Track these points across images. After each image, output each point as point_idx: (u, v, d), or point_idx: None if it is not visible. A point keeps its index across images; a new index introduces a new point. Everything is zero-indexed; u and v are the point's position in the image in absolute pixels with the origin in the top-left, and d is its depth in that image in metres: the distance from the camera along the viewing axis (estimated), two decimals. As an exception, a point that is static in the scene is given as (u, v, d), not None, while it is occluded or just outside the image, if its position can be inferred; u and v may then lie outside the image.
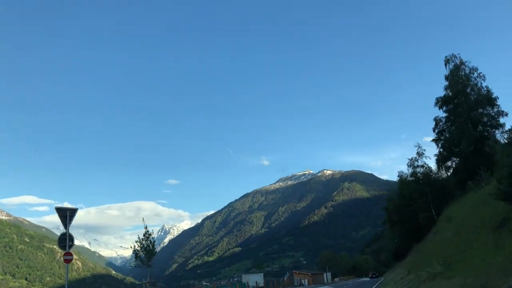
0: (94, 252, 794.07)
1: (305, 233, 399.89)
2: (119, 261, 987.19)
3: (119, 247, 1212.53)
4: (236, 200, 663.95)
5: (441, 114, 55.95)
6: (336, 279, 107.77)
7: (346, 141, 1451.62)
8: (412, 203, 60.61)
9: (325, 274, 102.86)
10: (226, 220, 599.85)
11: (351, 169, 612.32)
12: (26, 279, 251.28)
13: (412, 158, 62.45)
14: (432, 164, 62.36)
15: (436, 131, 57.18)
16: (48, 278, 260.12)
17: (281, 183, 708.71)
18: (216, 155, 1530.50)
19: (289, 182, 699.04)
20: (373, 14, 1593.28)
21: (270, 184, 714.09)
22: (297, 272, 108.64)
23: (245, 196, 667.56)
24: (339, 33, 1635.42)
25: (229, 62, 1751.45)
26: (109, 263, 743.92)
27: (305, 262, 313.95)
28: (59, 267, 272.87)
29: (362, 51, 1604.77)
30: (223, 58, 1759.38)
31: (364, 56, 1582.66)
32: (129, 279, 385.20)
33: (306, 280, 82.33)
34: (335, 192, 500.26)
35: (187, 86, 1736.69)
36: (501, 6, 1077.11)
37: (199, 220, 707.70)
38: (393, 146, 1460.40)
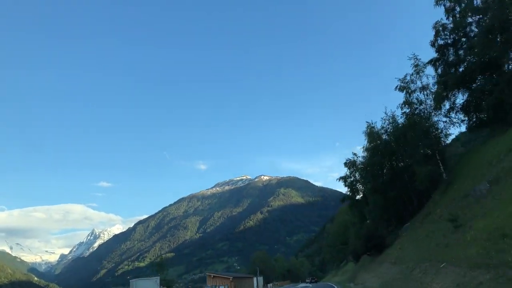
0: (16, 257, 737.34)
1: (240, 238, 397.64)
2: (43, 267, 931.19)
3: (44, 252, 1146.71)
4: (170, 205, 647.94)
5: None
6: (270, 285, 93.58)
7: (284, 148, 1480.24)
8: (401, 156, 43.53)
9: (255, 278, 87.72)
10: (160, 225, 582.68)
11: (288, 175, 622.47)
12: None
13: (406, 77, 41.45)
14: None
15: (437, 44, 37.39)
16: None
17: (218, 188, 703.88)
18: (152, 158, 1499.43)
19: (226, 187, 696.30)
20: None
21: (207, 189, 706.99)
22: (212, 275, 75.06)
23: (181, 200, 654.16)
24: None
25: (165, 60, 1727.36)
26: (32, 268, 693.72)
27: (238, 267, 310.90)
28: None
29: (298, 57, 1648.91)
30: (166, 55, 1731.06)
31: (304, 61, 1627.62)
32: (53, 285, 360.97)
33: (227, 286, 65.21)
34: (271, 198, 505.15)
35: (125, 83, 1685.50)
36: None
37: (132, 225, 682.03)
38: (328, 154, 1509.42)
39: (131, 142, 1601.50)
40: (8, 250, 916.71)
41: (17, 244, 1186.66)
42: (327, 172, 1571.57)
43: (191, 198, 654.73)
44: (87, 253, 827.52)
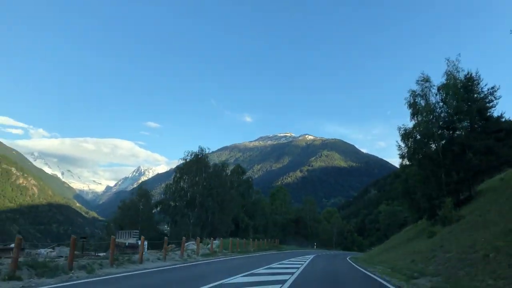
0: (64, 182, 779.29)
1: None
2: (89, 195, 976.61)
3: (91, 181, 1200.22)
4: (213, 152, 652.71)
5: None
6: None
7: (332, 111, 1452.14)
8: None
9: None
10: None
11: (333, 138, 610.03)
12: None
13: None
14: None
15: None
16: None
17: (260, 142, 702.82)
18: (199, 103, 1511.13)
19: (269, 142, 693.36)
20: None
21: (250, 141, 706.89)
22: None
23: (223, 149, 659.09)
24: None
25: (221, 16, 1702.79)
26: (78, 195, 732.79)
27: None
28: (12, 190, 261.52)
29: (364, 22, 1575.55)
30: (216, 12, 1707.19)
31: (363, 26, 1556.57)
32: (92, 213, 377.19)
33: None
34: (312, 158, 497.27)
35: (172, 31, 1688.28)
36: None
37: (174, 166, 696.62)
38: (378, 121, 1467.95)
39: (181, 85, 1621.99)
40: (59, 175, 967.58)
41: (68, 170, 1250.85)
42: (375, 139, 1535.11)
43: (233, 148, 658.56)
44: (131, 188, 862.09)
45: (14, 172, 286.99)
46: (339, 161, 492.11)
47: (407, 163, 41.80)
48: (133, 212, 61.59)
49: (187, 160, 63.47)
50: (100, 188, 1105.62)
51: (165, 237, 25.76)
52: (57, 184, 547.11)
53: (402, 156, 41.11)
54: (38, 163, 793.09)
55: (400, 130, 40.81)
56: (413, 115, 40.37)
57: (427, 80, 40.03)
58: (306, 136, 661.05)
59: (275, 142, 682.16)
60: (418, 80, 40.34)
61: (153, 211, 66.92)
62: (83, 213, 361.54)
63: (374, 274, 18.97)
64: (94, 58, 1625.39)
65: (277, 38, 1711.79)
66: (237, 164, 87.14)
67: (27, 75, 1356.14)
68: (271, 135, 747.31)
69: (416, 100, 40.30)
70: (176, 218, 60.59)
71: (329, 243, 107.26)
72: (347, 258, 39.22)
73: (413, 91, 40.54)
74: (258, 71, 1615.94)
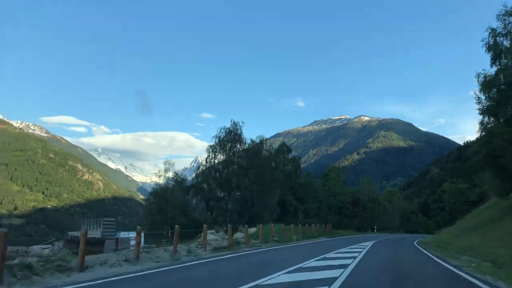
0: (128, 176, 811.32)
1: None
2: (153, 187, 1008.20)
3: (153, 174, 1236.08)
4: (266, 139, 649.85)
5: None
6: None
7: (388, 89, 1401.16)
8: None
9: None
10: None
11: (390, 117, 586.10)
12: (43, 193, 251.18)
13: None
14: None
15: None
16: (65, 195, 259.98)
17: (314, 126, 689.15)
18: (250, 93, 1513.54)
19: (323, 126, 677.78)
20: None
21: (303, 126, 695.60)
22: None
23: (276, 136, 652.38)
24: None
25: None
26: (141, 188, 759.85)
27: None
28: (79, 185, 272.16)
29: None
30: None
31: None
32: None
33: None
34: (369, 139, 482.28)
35: (221, 26, 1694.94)
36: None
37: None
38: (437, 98, 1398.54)
39: (233, 76, 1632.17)
40: (122, 169, 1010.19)
41: (131, 164, 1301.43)
42: (434, 117, 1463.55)
43: (286, 134, 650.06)
44: (190, 178, 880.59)
45: (80, 168, 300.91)
46: (397, 141, 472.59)
47: (490, 119, 32.43)
48: (161, 199, 56.14)
49: (221, 137, 57.02)
50: (161, 181, 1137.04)
51: (204, 225, 20.26)
52: (120, 178, 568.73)
53: (483, 111, 31.81)
54: (102, 159, 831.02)
55: (479, 78, 31.54)
56: (494, 59, 31.31)
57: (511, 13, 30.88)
58: (362, 117, 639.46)
59: (329, 126, 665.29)
60: (499, 15, 30.98)
61: (191, 199, 60.23)
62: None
63: (464, 271, 11.73)
64: (151, 58, 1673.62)
65: (327, 20, 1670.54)
66: (282, 142, 79.38)
67: (88, 75, 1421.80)
68: (325, 119, 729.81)
69: (498, 40, 31.23)
70: (211, 203, 54.77)
71: (391, 226, 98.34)
72: (415, 243, 31.99)
73: (493, 29, 31.40)
74: (308, 55, 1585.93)
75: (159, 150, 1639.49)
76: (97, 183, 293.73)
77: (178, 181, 60.58)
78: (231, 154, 55.91)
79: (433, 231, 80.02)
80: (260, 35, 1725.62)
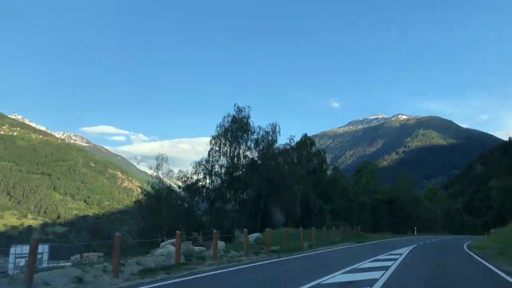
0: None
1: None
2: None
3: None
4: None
5: None
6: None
7: (426, 86, 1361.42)
8: None
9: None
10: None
11: (428, 115, 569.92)
12: (84, 201, 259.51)
13: None
14: None
15: None
16: (106, 202, 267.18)
17: (351, 127, 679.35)
18: (283, 93, 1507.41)
19: (360, 126, 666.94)
20: None
21: (339, 127, 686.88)
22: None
23: (312, 137, 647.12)
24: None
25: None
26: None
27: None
28: (119, 193, 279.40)
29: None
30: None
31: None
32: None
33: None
34: (408, 138, 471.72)
35: (248, 21, 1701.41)
36: None
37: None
38: (477, 92, 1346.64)
39: (263, 79, 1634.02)
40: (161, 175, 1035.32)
41: (170, 170, 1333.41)
42: (475, 113, 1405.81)
43: (322, 135, 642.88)
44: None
45: (120, 176, 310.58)
46: (437, 139, 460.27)
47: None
48: (154, 201, 49.07)
49: (225, 126, 50.16)
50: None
51: (214, 231, 17.82)
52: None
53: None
54: (141, 166, 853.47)
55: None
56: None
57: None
58: (399, 116, 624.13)
59: (366, 126, 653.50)
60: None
61: (192, 199, 52.07)
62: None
63: None
64: (189, 71, 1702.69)
65: (355, 18, 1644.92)
66: (304, 134, 73.82)
67: (126, 88, 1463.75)
68: (361, 119, 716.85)
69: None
70: (215, 204, 48.34)
71: (433, 227, 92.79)
72: (466, 249, 26.69)
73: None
74: (341, 55, 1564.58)
75: (194, 155, 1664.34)
76: (136, 189, 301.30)
77: (175, 178, 53.88)
78: (236, 146, 49.91)
79: (480, 232, 75.41)
80: (301, 40, 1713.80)
